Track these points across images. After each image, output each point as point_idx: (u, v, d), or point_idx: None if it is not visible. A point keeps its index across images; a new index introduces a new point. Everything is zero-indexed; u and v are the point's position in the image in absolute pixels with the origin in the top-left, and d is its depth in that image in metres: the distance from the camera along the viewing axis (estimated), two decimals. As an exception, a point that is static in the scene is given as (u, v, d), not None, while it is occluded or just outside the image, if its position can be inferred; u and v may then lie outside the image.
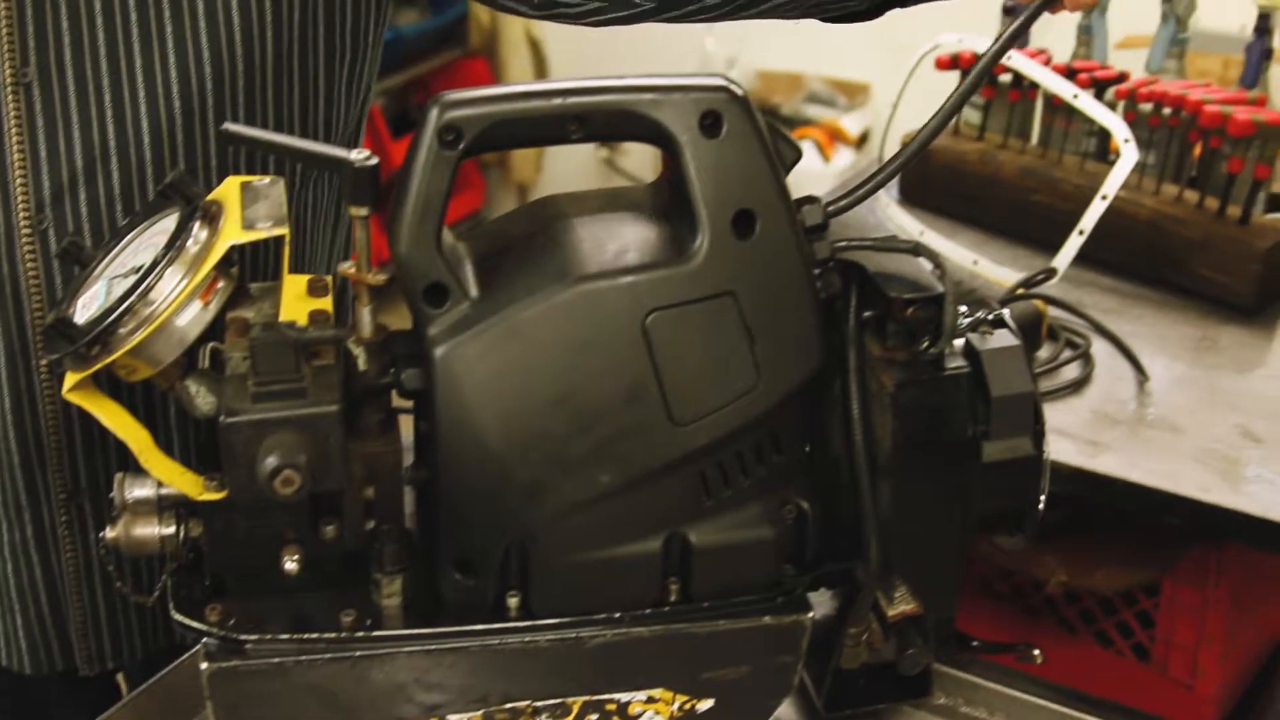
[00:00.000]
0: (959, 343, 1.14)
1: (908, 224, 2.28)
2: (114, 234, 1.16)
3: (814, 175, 3.93)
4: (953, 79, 2.42)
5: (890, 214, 2.31)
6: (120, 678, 1.63)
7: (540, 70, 4.94)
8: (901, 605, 1.17)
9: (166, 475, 1.08)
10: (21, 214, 1.31)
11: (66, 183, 1.32)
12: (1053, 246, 2.07)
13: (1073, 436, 1.81)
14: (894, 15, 1.65)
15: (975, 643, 1.27)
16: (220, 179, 1.34)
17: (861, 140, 4.40)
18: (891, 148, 2.53)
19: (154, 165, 1.34)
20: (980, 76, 1.21)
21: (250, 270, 1.40)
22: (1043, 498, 1.18)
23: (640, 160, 4.58)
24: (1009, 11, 2.51)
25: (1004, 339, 1.15)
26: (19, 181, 1.31)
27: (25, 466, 1.39)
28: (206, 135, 1.35)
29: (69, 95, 1.31)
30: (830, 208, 1.13)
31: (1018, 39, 1.23)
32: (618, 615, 1.11)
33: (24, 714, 1.59)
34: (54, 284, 1.33)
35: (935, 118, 1.20)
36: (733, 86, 1.08)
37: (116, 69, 1.31)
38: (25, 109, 1.30)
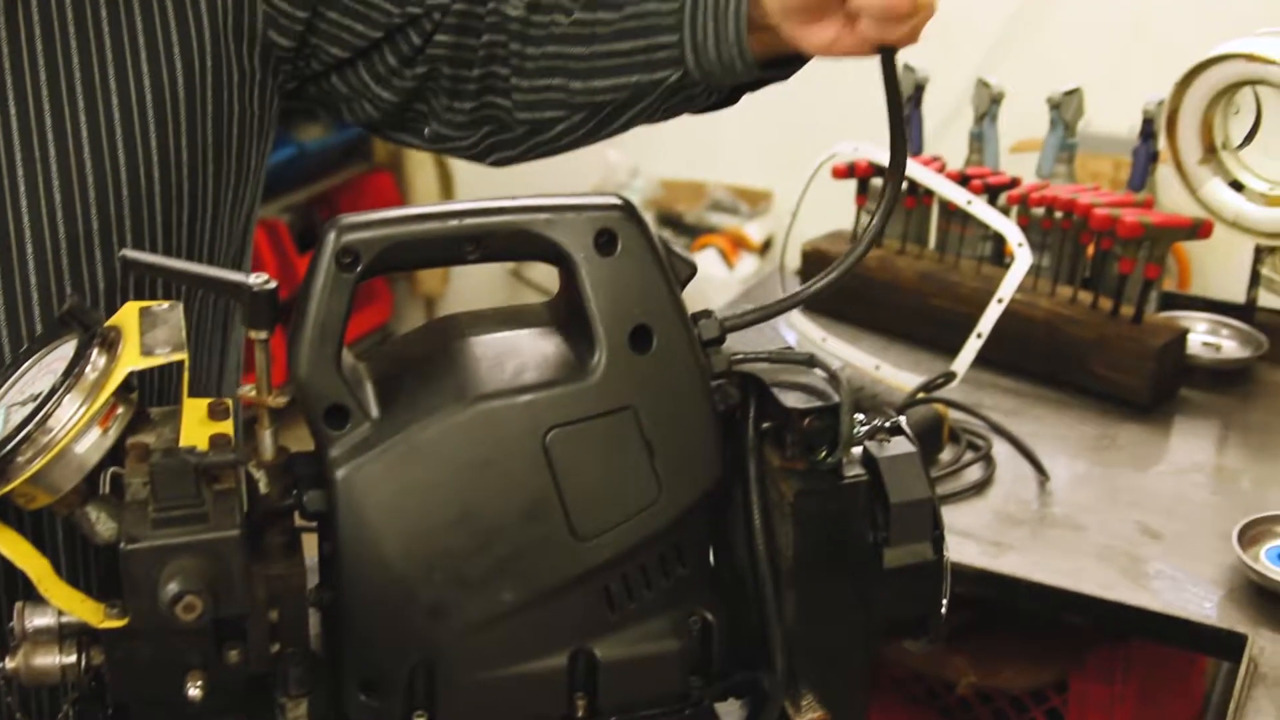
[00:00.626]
0: (857, 451, 1.16)
1: (810, 330, 2.30)
2: (11, 362, 1.16)
3: (718, 283, 3.96)
4: (850, 187, 2.46)
5: (792, 321, 2.34)
6: None
7: (446, 184, 4.96)
8: (809, 714, 1.18)
9: (67, 603, 1.07)
10: None
11: None
12: (952, 349, 2.10)
13: (976, 538, 1.83)
14: (792, 123, 1.68)
15: (885, 747, 1.28)
16: (109, 302, 1.34)
17: (765, 247, 4.44)
18: (793, 254, 2.59)
19: (39, 289, 1.34)
20: (866, 249, 1.23)
21: (152, 395, 1.39)
22: (945, 601, 1.19)
23: (548, 272, 4.56)
24: (902, 121, 2.55)
25: (901, 446, 1.16)
26: None
27: None
28: (93, 257, 1.35)
29: None
30: (727, 321, 1.15)
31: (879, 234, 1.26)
32: (525, 733, 1.11)
33: None
34: None
35: (834, 270, 1.21)
36: (627, 204, 1.10)
37: (1, 193, 1.31)
38: None
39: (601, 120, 1.46)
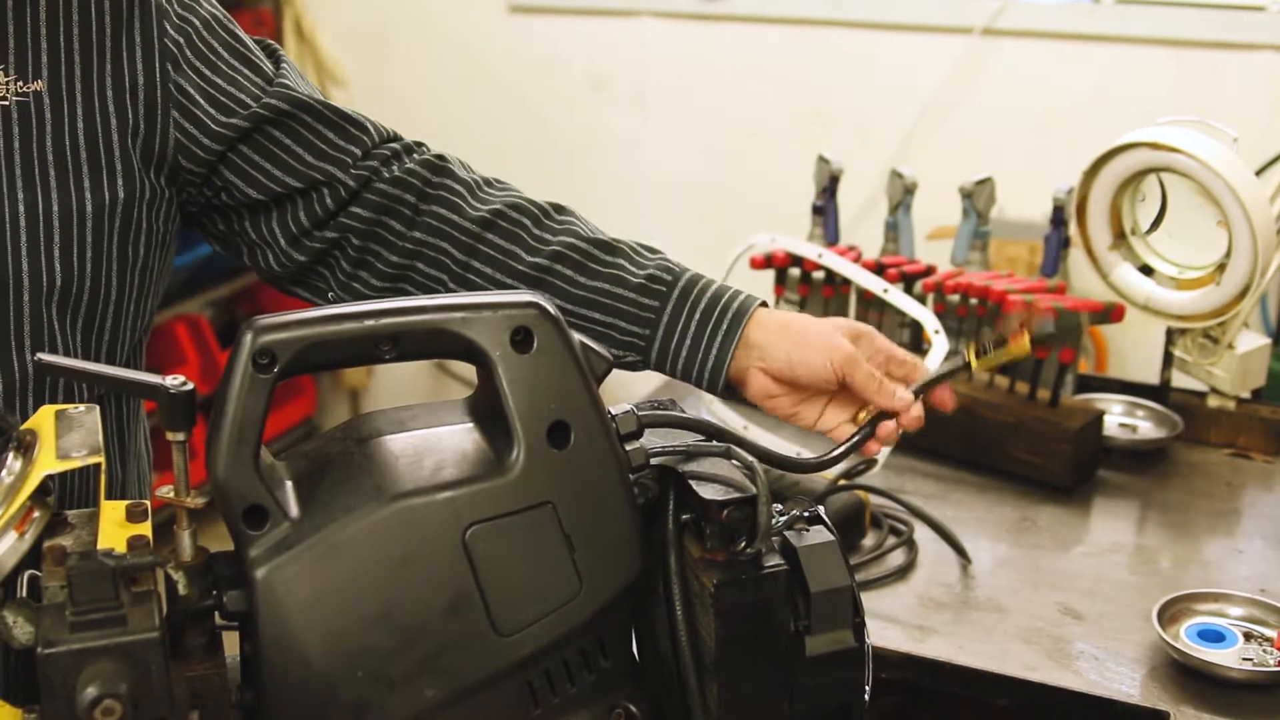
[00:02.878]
0: (777, 540, 1.17)
1: (730, 418, 2.32)
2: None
3: (637, 376, 3.97)
4: (768, 277, 2.48)
5: (714, 409, 2.35)
6: None
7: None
8: (735, 804, 1.18)
9: (-18, 711, 1.06)
10: None
11: None
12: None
13: (900, 623, 1.84)
14: (710, 213, 1.75)
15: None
16: (9, 406, 1.34)
17: (687, 336, 4.47)
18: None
19: None
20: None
21: (71, 495, 1.39)
22: (869, 688, 1.20)
23: (471, 368, 4.60)
24: (818, 211, 2.59)
25: (820, 535, 1.17)
26: None
27: None
28: None
29: None
30: (644, 416, 1.16)
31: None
32: (450, 831, 1.10)
33: None
34: None
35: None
36: (543, 302, 1.11)
37: None
38: None
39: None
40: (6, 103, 1.36)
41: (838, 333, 1.46)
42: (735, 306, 1.47)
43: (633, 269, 1.50)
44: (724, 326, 1.46)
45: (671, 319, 1.48)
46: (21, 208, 1.36)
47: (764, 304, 1.49)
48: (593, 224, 1.55)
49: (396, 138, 1.57)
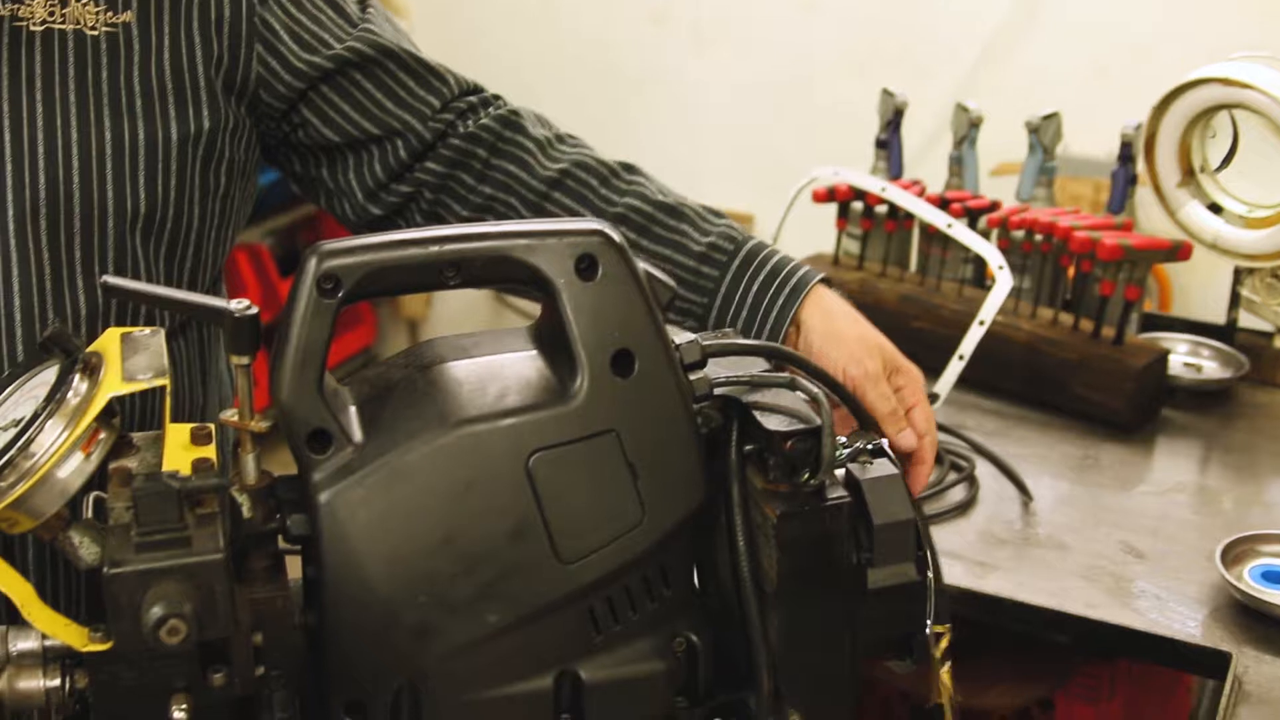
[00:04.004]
0: (840, 473, 1.16)
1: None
2: (-6, 388, 1.16)
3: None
4: (830, 210, 2.47)
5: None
6: None
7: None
8: (794, 734, 1.18)
9: (51, 628, 1.07)
10: None
11: None
12: (934, 372, 2.10)
13: (961, 558, 1.83)
14: (772, 148, 1.72)
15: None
16: (91, 330, 1.35)
17: (748, 270, 4.45)
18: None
19: (22, 311, 1.36)
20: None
21: (135, 421, 1.40)
22: (930, 622, 1.19)
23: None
24: (882, 145, 2.57)
25: (884, 468, 1.16)
26: None
27: None
28: (75, 282, 1.37)
29: None
30: (709, 346, 1.15)
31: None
32: (511, 755, 1.11)
33: None
34: None
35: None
36: (608, 230, 1.11)
37: None
38: None
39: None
40: (96, 33, 1.37)
41: (876, 352, 1.44)
42: (796, 278, 1.47)
43: (696, 235, 1.49)
44: (783, 296, 1.46)
45: (730, 287, 1.49)
46: (109, 136, 1.37)
47: (826, 280, 1.48)
48: (661, 185, 1.55)
49: (475, 90, 1.57)
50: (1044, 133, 2.49)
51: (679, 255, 1.49)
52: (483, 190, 1.52)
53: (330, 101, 1.49)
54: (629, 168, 1.54)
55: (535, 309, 1.18)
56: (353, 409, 1.11)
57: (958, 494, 1.99)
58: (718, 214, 1.52)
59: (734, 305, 1.48)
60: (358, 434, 1.08)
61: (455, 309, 4.85)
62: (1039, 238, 2.28)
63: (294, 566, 1.14)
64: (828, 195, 2.45)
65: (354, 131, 1.50)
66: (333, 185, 1.55)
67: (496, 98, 1.58)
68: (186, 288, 1.47)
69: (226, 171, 1.47)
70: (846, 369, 1.41)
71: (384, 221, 1.56)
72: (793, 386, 1.17)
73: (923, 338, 2.31)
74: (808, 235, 2.58)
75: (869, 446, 1.18)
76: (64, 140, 1.35)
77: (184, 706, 1.07)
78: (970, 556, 1.84)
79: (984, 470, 2.05)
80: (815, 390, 1.16)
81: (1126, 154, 2.42)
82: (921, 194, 2.35)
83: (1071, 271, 2.28)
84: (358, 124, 1.50)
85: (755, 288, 1.47)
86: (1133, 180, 2.45)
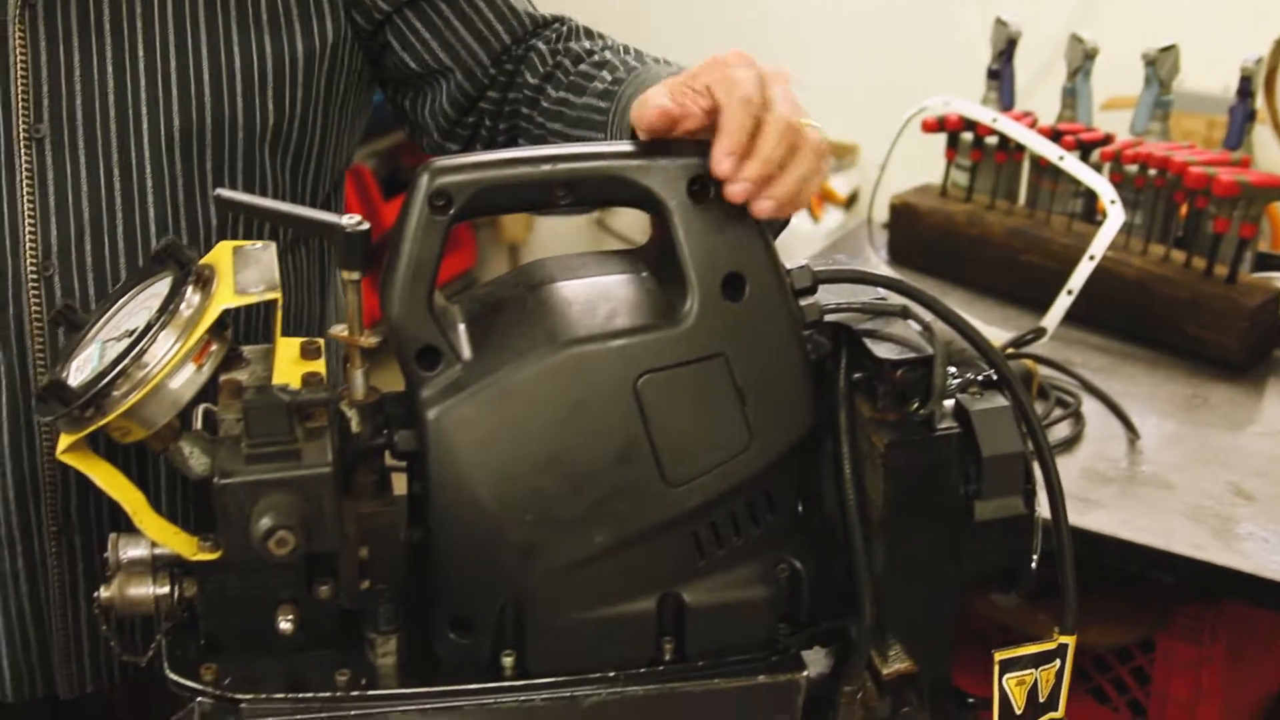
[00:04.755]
0: (950, 403, 1.15)
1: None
2: (108, 298, 1.18)
3: (803, 235, 3.94)
4: (939, 141, 2.44)
5: (880, 275, 2.32)
6: None
7: (532, 133, 4.95)
8: (896, 664, 1.17)
9: (161, 536, 1.08)
10: (29, 261, 1.35)
11: (74, 234, 1.36)
12: (1041, 306, 2.08)
13: (1065, 495, 1.81)
14: (877, 78, 1.68)
15: (971, 699, 1.27)
16: (221, 238, 1.36)
17: (850, 200, 4.42)
18: (880, 208, 2.57)
19: (156, 221, 1.38)
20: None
21: (242, 334, 1.41)
22: (1035, 555, 1.18)
23: (631, 221, 4.59)
24: (994, 75, 2.53)
25: (994, 399, 1.15)
26: (28, 231, 1.35)
27: (20, 500, 1.41)
28: (206, 195, 1.39)
29: (79, 151, 1.35)
30: (820, 273, 1.14)
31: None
32: (612, 674, 1.11)
33: None
34: (57, 328, 1.35)
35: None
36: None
37: (125, 127, 1.36)
38: (37, 162, 1.34)
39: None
40: None
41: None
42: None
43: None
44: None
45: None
46: (237, 54, 1.39)
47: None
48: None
49: (551, 21, 1.53)
50: (1161, 66, 2.44)
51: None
52: (551, 127, 1.46)
53: (412, 28, 1.48)
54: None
55: (637, 236, 1.17)
56: (462, 326, 1.11)
57: (1063, 430, 1.97)
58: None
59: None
60: (467, 351, 1.08)
61: (556, 234, 4.86)
62: (1153, 172, 2.24)
63: (398, 484, 1.14)
64: (937, 125, 2.42)
65: (431, 62, 1.49)
66: (414, 118, 1.56)
67: (573, 30, 1.52)
68: (309, 198, 1.49)
69: (347, 81, 1.48)
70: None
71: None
72: (905, 315, 1.15)
73: (1031, 272, 2.28)
74: (916, 166, 2.55)
75: (979, 377, 1.17)
76: (194, 60, 1.37)
77: (290, 617, 1.09)
78: (1074, 493, 1.82)
79: (1090, 407, 2.03)
80: (928, 319, 1.14)
81: (1245, 89, 2.37)
82: (1033, 126, 2.32)
83: (1184, 208, 2.24)
84: (435, 55, 1.49)
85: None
86: (1251, 116, 2.40)
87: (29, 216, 1.35)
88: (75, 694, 1.49)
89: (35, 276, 1.35)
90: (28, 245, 1.35)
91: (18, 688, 1.48)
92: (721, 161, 1.05)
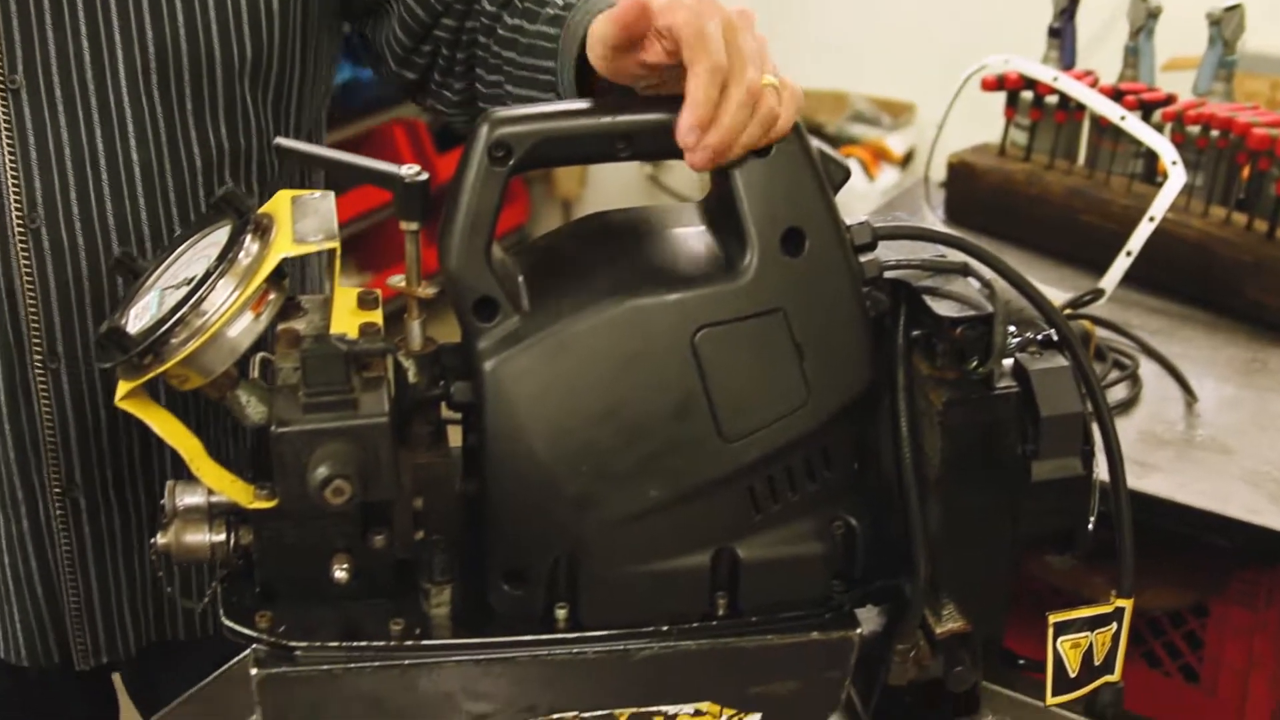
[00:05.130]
0: (1008, 362, 1.14)
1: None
2: (167, 245, 1.18)
3: (859, 194, 3.92)
4: (998, 99, 2.42)
5: (936, 234, 2.30)
6: (116, 679, 1.67)
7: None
8: (950, 623, 1.17)
9: (218, 483, 1.09)
10: (14, 214, 1.34)
11: (58, 184, 1.35)
12: (1100, 267, 2.07)
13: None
14: (935, 36, 1.65)
15: (1022, 660, 1.27)
16: (208, 181, 1.38)
17: (906, 159, 4.39)
18: (937, 167, 2.55)
19: (141, 166, 1.37)
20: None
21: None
22: (1092, 517, 1.17)
23: (685, 178, 4.58)
24: (1055, 34, 2.50)
25: (1053, 359, 1.14)
26: (11, 184, 1.34)
27: (21, 461, 1.41)
28: (189, 138, 1.38)
29: (56, 99, 1.34)
30: (879, 229, 1.13)
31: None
32: (665, 628, 1.11)
33: (28, 711, 1.60)
34: (47, 282, 1.36)
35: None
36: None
37: (100, 70, 1.34)
38: (14, 114, 1.33)
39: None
40: None
41: None
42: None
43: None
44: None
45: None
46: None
47: None
48: None
49: None
50: (1226, 25, 2.41)
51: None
52: (505, 55, 1.41)
53: None
54: None
55: (691, 194, 1.16)
56: (520, 278, 1.10)
57: (1119, 392, 1.96)
58: None
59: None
60: (524, 303, 1.08)
61: (609, 190, 4.85)
62: (1215, 134, 2.21)
63: (453, 437, 1.14)
64: (997, 84, 2.40)
65: None
66: (374, 49, 1.53)
67: None
68: (294, 131, 1.48)
69: (321, 13, 1.45)
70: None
71: (424, 85, 1.53)
72: (965, 272, 1.14)
73: (1090, 232, 2.26)
74: (974, 125, 2.53)
75: (1039, 337, 1.16)
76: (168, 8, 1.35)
77: (345, 566, 1.09)
78: (1131, 456, 1.78)
79: (1147, 369, 2.01)
80: (988, 277, 1.13)
81: (1311, 49, 2.34)
82: (1094, 85, 2.29)
83: (1247, 170, 2.21)
84: None
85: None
86: (1316, 77, 2.37)
87: (11, 170, 1.33)
88: (90, 665, 1.50)
89: (22, 230, 1.34)
90: (12, 199, 1.34)
91: (32, 652, 1.48)
92: (687, 135, 1.04)
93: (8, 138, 1.33)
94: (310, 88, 1.49)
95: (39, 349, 1.37)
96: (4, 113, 1.33)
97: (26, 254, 1.35)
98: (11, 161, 1.33)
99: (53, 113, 1.34)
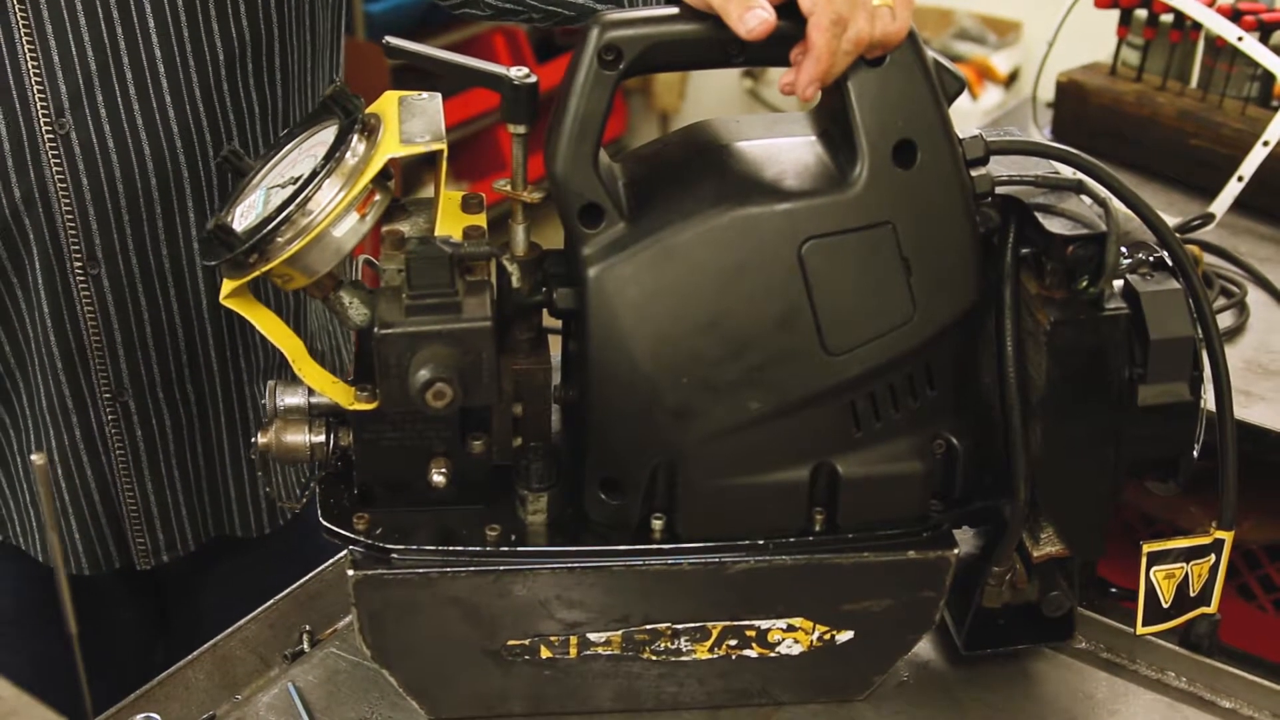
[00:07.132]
0: (1118, 283, 1.12)
1: (1060, 164, 2.23)
2: (274, 143, 1.17)
3: (962, 113, 3.86)
4: (1111, 18, 2.37)
5: (1042, 154, 2.27)
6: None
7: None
8: (1048, 547, 1.16)
9: (319, 384, 1.09)
10: (42, 120, 1.33)
11: (83, 84, 1.32)
12: (1210, 192, 2.02)
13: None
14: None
15: (1114, 589, 1.25)
16: (230, 76, 1.36)
17: (1010, 78, 4.33)
18: (1045, 87, 2.50)
19: (164, 62, 1.34)
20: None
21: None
22: (1198, 445, 1.15)
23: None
24: (1174, -51, 2.44)
25: (1165, 282, 1.12)
26: (36, 88, 1.32)
27: (68, 369, 1.40)
28: (211, 29, 1.34)
29: None
30: (992, 143, 1.11)
31: None
32: (762, 542, 1.11)
33: (90, 616, 1.62)
34: (81, 187, 1.34)
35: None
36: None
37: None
38: (33, 15, 1.30)
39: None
40: None
41: None
42: None
43: None
44: None
45: None
46: None
47: None
48: None
49: None
50: (1351, -55, 2.34)
51: None
52: None
53: None
54: None
55: (789, 106, 1.14)
56: (625, 186, 1.10)
57: (1226, 320, 1.92)
58: None
59: None
60: (630, 210, 1.07)
61: (708, 104, 4.81)
62: (1335, 57, 2.16)
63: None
64: (1111, 1, 2.35)
65: None
66: None
67: None
68: (312, 18, 1.44)
69: None
70: None
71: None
72: (1079, 190, 1.12)
73: (1200, 156, 2.22)
74: (1084, 43, 2.48)
75: (1151, 258, 1.14)
76: None
77: (442, 470, 1.10)
78: (1236, 385, 1.75)
79: (1255, 297, 1.97)
80: (1104, 194, 1.11)
81: None
82: (1211, 4, 2.24)
83: (1367, 96, 2.16)
84: None
85: None
86: None
87: (34, 74, 1.31)
88: (151, 565, 1.51)
89: (51, 135, 1.32)
90: (39, 105, 1.32)
91: (92, 560, 1.49)
92: (806, 88, 1.03)
93: (28, 41, 1.31)
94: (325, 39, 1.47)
95: (78, 255, 1.36)
96: (23, 15, 1.30)
97: (58, 160, 1.33)
98: (34, 66, 1.31)
99: (71, 12, 1.31)
